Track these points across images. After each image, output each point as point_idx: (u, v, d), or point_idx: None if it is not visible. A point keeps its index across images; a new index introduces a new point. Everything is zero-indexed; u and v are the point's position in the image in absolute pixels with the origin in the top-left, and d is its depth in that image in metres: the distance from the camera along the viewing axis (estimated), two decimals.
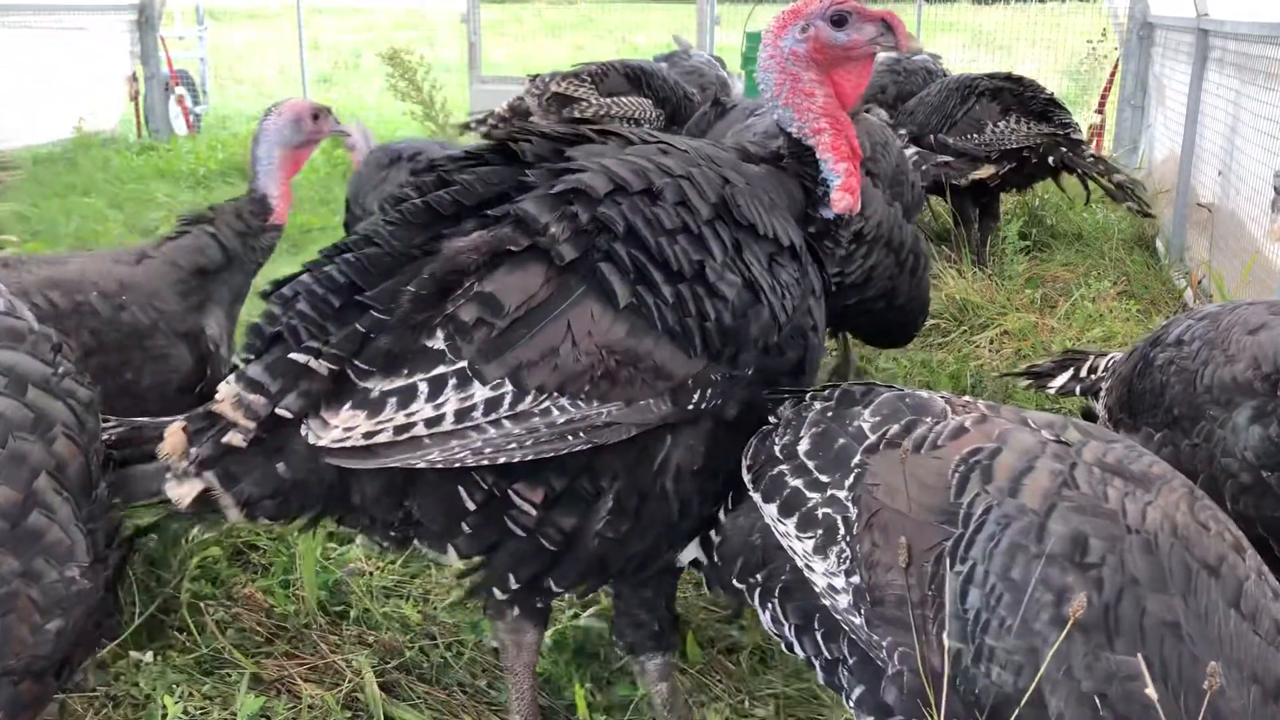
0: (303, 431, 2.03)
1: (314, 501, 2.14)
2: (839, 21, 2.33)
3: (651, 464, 2.13)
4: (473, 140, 7.80)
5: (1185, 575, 1.62)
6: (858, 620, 1.84)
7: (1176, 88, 7.06)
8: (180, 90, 10.97)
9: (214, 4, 17.52)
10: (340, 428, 1.99)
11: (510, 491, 2.08)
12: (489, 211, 2.12)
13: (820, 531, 1.92)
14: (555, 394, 2.01)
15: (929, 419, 1.96)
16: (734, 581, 2.16)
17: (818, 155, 2.36)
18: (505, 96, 7.84)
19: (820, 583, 1.91)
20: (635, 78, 6.79)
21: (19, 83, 9.60)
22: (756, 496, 2.08)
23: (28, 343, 2.07)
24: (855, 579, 1.85)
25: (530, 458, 2.03)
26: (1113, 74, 9.35)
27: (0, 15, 9.45)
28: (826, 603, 1.91)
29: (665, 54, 7.95)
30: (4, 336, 2.04)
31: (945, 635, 1.72)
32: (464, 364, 1.99)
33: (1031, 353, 4.89)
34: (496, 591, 2.21)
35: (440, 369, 2.00)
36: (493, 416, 1.99)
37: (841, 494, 1.93)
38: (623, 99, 6.67)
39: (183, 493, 2.09)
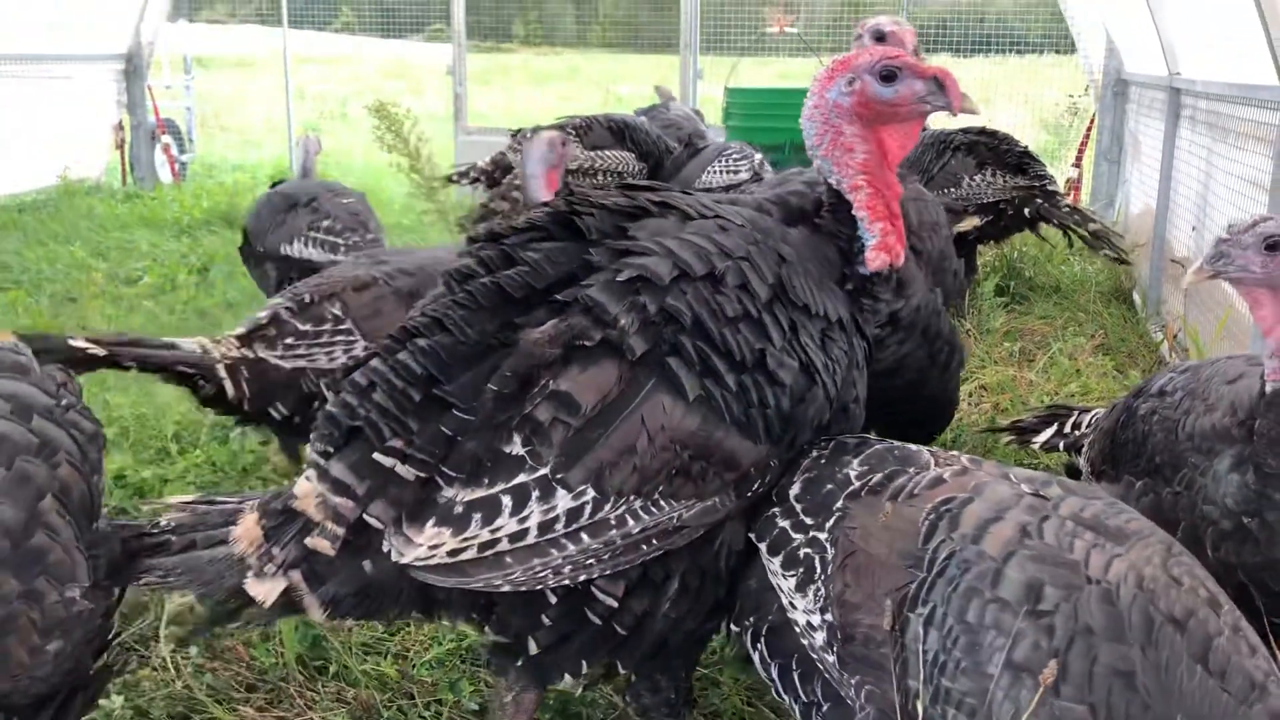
0: (385, 548, 2.01)
1: (398, 602, 2.13)
2: (888, 77, 2.24)
3: (713, 545, 2.14)
4: (454, 191, 7.85)
5: (1146, 627, 1.64)
6: (830, 659, 1.90)
7: (1151, 144, 7.18)
8: (166, 139, 11.02)
9: (202, 52, 17.64)
10: (425, 545, 1.97)
11: (593, 588, 2.08)
12: (559, 296, 2.08)
13: (801, 570, 2.00)
14: (633, 496, 2.00)
15: (912, 469, 2.02)
16: (733, 625, 2.20)
17: (854, 211, 2.29)
18: (490, 148, 7.92)
19: (800, 620, 1.98)
20: (619, 131, 6.88)
21: (4, 131, 9.63)
22: (751, 535, 2.14)
23: (32, 376, 2.11)
24: (829, 616, 1.91)
25: (609, 572, 2.05)
26: (1089, 129, 9.50)
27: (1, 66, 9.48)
28: (805, 642, 1.97)
29: (645, 108, 8.05)
30: (9, 369, 2.10)
31: (907, 676, 1.76)
32: (545, 471, 1.96)
33: (1010, 406, 4.93)
34: (568, 677, 2.22)
35: (522, 478, 1.97)
36: (574, 527, 1.98)
37: (822, 535, 2.00)
38: (606, 152, 6.75)
39: (265, 591, 2.04)
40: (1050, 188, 6.42)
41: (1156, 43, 6.64)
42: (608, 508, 1.98)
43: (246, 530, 2.10)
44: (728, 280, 2.07)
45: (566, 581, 2.02)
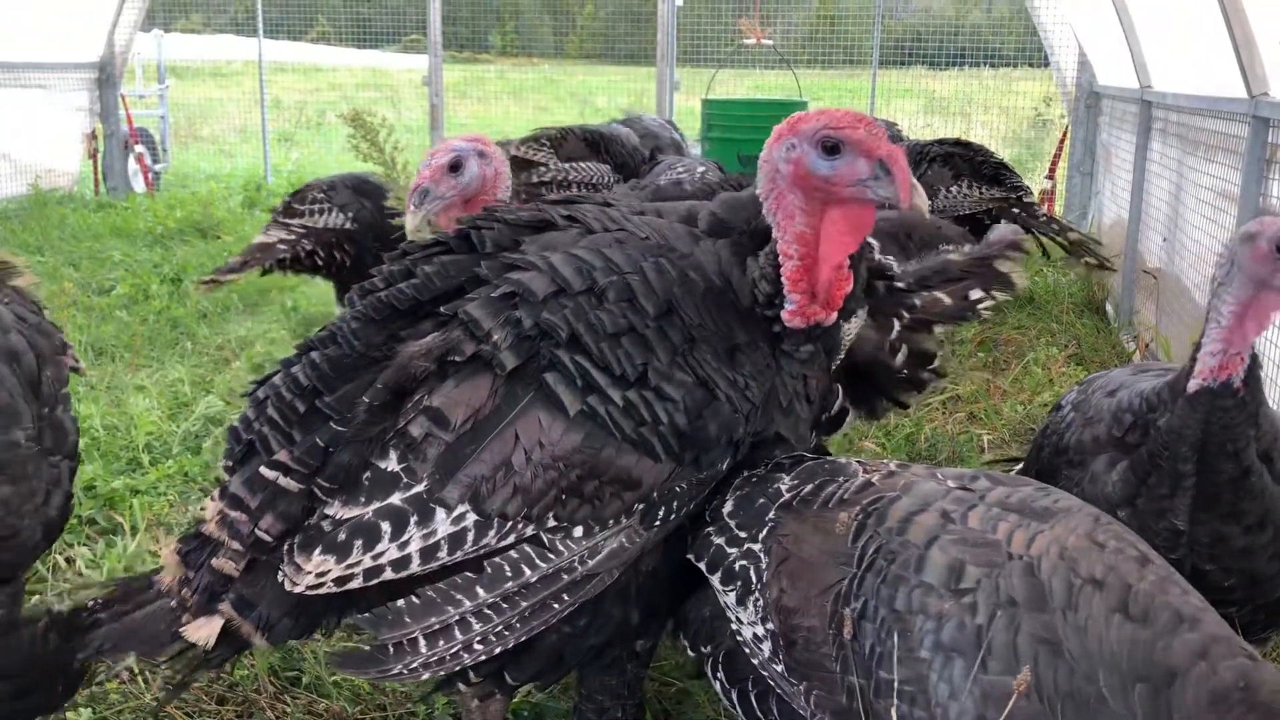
0: (279, 577, 1.99)
1: (327, 614, 2.11)
2: (830, 149, 2.01)
3: (623, 585, 2.09)
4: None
5: (1067, 592, 1.65)
6: (779, 668, 1.91)
7: (1123, 156, 7.25)
8: (140, 148, 10.94)
9: (176, 60, 17.56)
10: (313, 573, 1.95)
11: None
12: (443, 309, 2.09)
13: (739, 583, 2.00)
14: (520, 521, 1.95)
15: (841, 478, 2.04)
16: (699, 648, 2.18)
17: (780, 274, 2.12)
18: None
19: (746, 634, 1.98)
20: (594, 142, 6.88)
21: None
22: (690, 555, 2.12)
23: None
24: (770, 625, 1.93)
25: (523, 639, 2.00)
26: (1062, 141, 9.59)
27: None
28: (755, 660, 1.97)
29: (622, 118, 8.06)
30: None
31: (849, 673, 1.78)
32: (421, 489, 1.94)
33: (984, 416, 4.96)
34: (459, 684, 2.17)
35: (397, 496, 1.95)
36: (458, 556, 1.94)
37: (756, 546, 2.01)
38: (581, 164, 6.74)
39: (204, 633, 2.03)
40: (1027, 199, 6.47)
41: (1128, 56, 6.71)
42: (492, 533, 1.93)
43: (167, 561, 2.10)
44: (609, 295, 2.01)
45: (483, 657, 1.98)
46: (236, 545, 2.02)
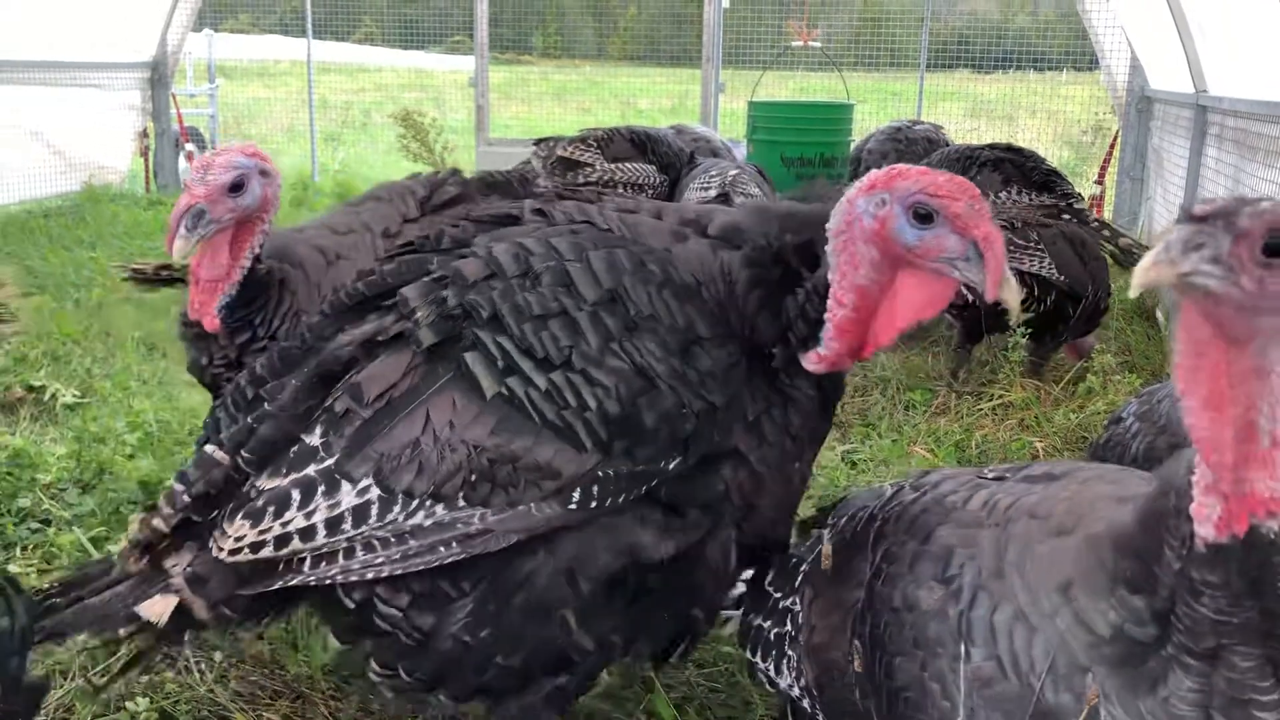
0: (206, 544, 2.03)
1: (275, 602, 2.12)
2: (923, 217, 1.84)
3: (518, 571, 1.97)
4: None
5: (1022, 550, 1.57)
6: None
7: (1176, 161, 7.15)
8: (190, 146, 11.08)
9: (224, 60, 17.76)
10: (232, 538, 1.98)
11: (375, 597, 2.03)
12: (385, 302, 2.10)
13: (775, 651, 1.99)
14: (428, 500, 1.91)
15: (873, 499, 1.99)
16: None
17: (825, 315, 1.98)
18: (512, 159, 7.93)
19: (794, 694, 1.96)
20: (640, 143, 6.88)
21: (31, 136, 9.71)
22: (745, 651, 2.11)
23: None
24: (804, 679, 1.90)
25: (399, 572, 1.95)
26: (1112, 146, 9.47)
27: (18, 72, 9.54)
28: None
29: (673, 124, 8.07)
30: None
31: (865, 696, 1.74)
32: (331, 461, 1.95)
33: (1034, 423, 4.91)
34: (379, 685, 2.14)
35: (311, 468, 1.97)
36: (363, 530, 1.93)
37: (788, 602, 2.00)
38: (627, 164, 6.75)
39: (158, 610, 2.05)
40: (1077, 205, 6.39)
41: (1182, 60, 6.62)
42: (397, 509, 1.92)
43: (127, 538, 2.14)
44: (544, 279, 1.96)
45: (355, 578, 1.96)
46: (168, 509, 2.08)
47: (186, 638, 2.21)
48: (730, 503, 2.03)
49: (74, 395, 5.00)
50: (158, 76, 10.84)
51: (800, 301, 2.02)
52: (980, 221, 1.81)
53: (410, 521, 1.92)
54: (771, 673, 1.98)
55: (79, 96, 10.16)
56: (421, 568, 1.95)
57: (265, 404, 2.08)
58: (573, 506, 1.92)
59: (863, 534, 1.89)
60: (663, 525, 1.99)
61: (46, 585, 2.23)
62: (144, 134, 10.91)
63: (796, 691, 1.92)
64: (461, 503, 1.91)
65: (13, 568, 3.39)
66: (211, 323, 2.87)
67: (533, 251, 2.01)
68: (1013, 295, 1.82)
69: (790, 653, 1.93)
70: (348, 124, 17.28)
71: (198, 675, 2.88)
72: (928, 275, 1.90)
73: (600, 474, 1.91)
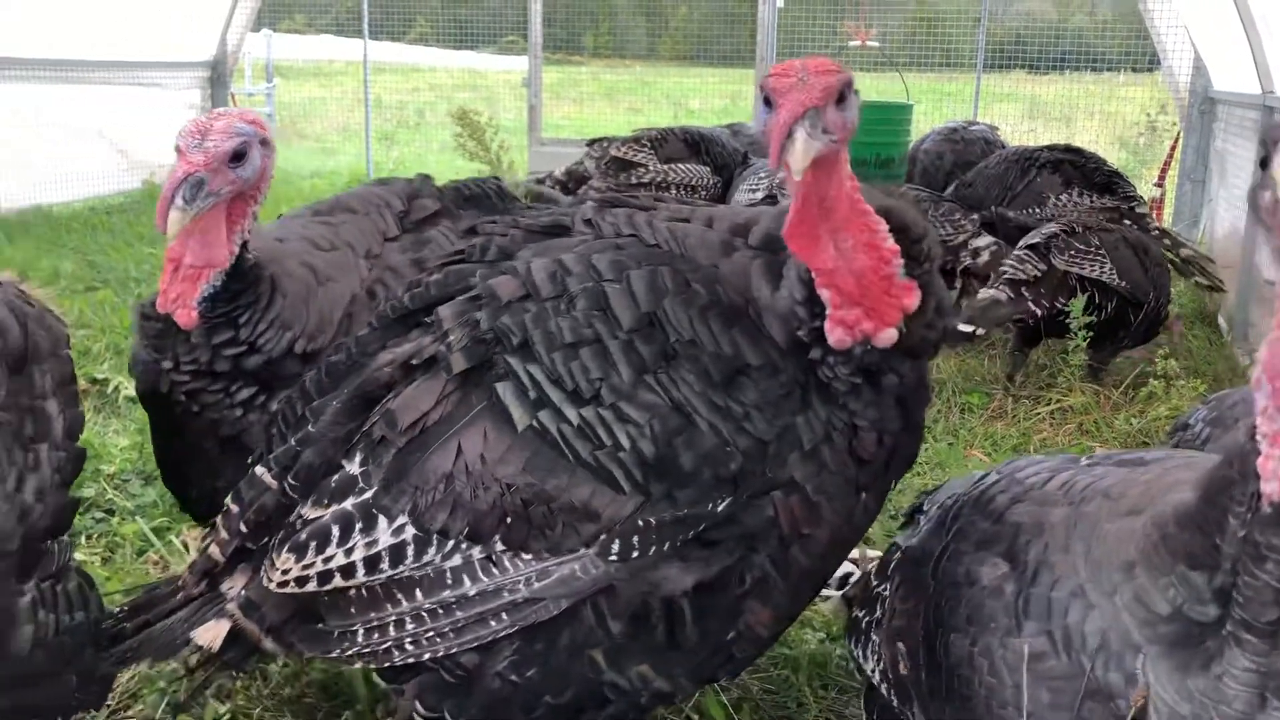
0: (259, 572, 2.03)
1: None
2: (766, 102, 1.73)
3: (577, 623, 1.88)
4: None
5: (1090, 530, 1.55)
6: (894, 703, 1.88)
7: (1240, 163, 7.01)
8: None
9: (281, 60, 17.99)
10: (280, 570, 1.97)
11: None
12: (427, 318, 2.03)
13: (862, 635, 2.02)
14: (465, 542, 1.85)
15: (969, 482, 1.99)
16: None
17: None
18: (564, 159, 7.97)
19: (875, 680, 1.97)
20: (694, 144, 6.88)
21: (93, 134, 9.91)
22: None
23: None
24: (883, 661, 1.90)
25: (454, 650, 1.89)
26: (1173, 148, 9.30)
27: (84, 72, 9.74)
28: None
29: (729, 124, 8.06)
30: None
31: (925, 673, 1.73)
32: (369, 495, 1.91)
33: (1094, 429, 4.84)
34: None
35: (350, 501, 1.92)
36: (401, 570, 1.88)
37: (880, 588, 2.02)
38: (680, 165, 6.75)
39: (211, 636, 2.05)
40: (1139, 209, 6.29)
41: (1249, 61, 6.49)
42: (433, 550, 1.86)
43: (187, 564, 2.16)
44: (579, 302, 1.85)
45: (411, 659, 1.92)
46: (224, 535, 2.08)
47: (249, 660, 2.21)
48: (777, 530, 1.88)
49: None
50: (217, 76, 11.02)
51: (798, 268, 1.87)
52: (778, 84, 1.69)
53: (448, 564, 1.86)
54: (859, 658, 1.98)
55: (141, 96, 10.35)
56: (475, 644, 1.89)
57: (309, 425, 2.05)
58: (614, 558, 1.81)
59: (944, 517, 1.88)
60: (688, 555, 1.86)
61: (117, 610, 2.27)
62: None
63: (876, 677, 1.92)
64: (499, 545, 1.83)
65: (78, 555, 3.46)
66: (188, 316, 2.41)
67: (570, 270, 1.90)
68: (795, 160, 1.66)
69: (874, 636, 1.93)
70: (402, 123, 17.42)
71: (267, 683, 2.85)
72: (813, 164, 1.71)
73: (641, 522, 1.80)
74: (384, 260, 2.76)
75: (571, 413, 1.79)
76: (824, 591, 2.30)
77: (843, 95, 1.74)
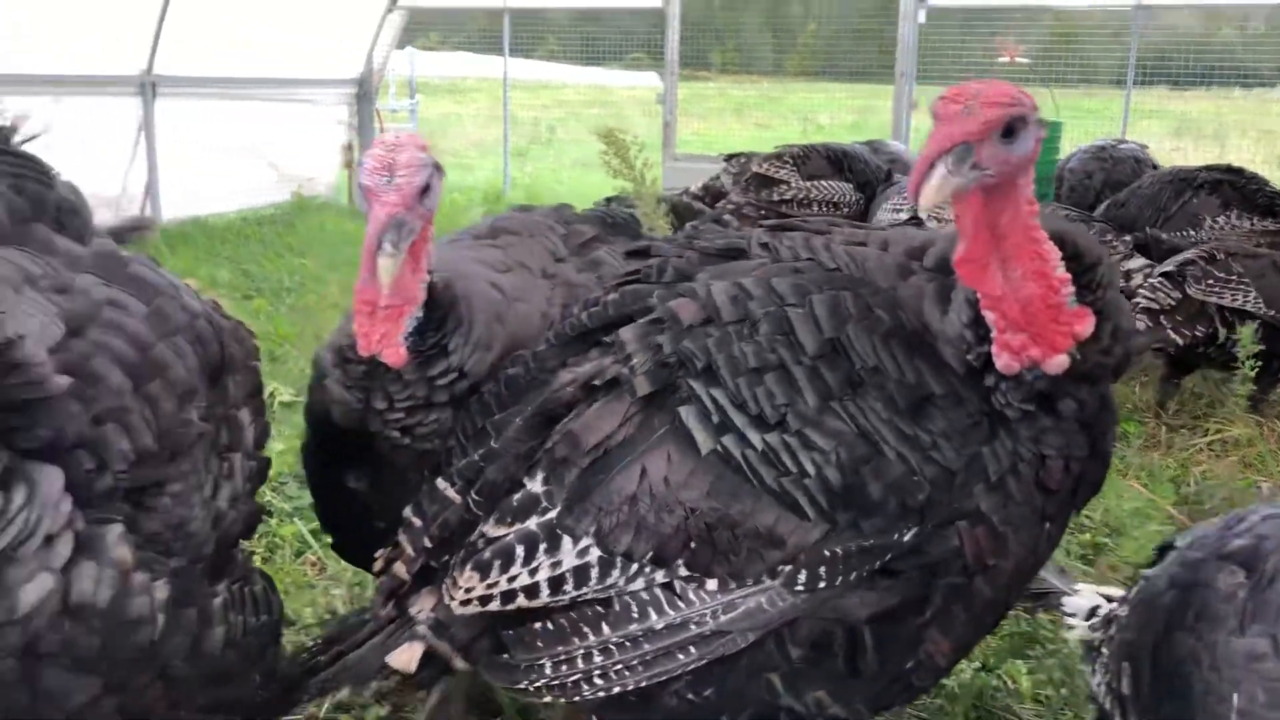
0: (442, 591, 2.04)
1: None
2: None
3: (760, 652, 1.88)
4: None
5: None
6: None
7: None
8: None
9: (421, 75, 18.51)
10: (463, 589, 1.98)
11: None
12: (606, 338, 2.04)
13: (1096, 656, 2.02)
14: (649, 566, 1.85)
15: None
16: None
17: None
18: (698, 174, 8.00)
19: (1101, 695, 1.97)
20: (837, 160, 6.84)
21: (250, 150, 10.38)
22: None
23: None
24: (1109, 678, 1.93)
25: (644, 684, 1.90)
26: None
27: (238, 88, 10.21)
28: None
29: (868, 141, 7.99)
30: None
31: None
32: (553, 514, 1.92)
33: (1258, 461, 4.64)
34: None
35: (534, 520, 1.93)
36: (584, 591, 1.89)
37: (1116, 609, 2.00)
38: (823, 182, 6.72)
39: (406, 659, 2.06)
40: None
41: None
42: (616, 573, 1.86)
43: (375, 585, 2.17)
44: (762, 327, 1.85)
45: (601, 692, 1.92)
46: (410, 551, 2.08)
47: (440, 677, 2.26)
48: (961, 560, 1.85)
49: (290, 394, 5.26)
50: (363, 92, 11.42)
51: (965, 292, 1.85)
52: (943, 110, 1.68)
53: (632, 587, 1.87)
54: (1092, 679, 1.98)
55: (292, 112, 10.82)
56: (664, 678, 1.89)
57: (491, 440, 2.07)
58: (800, 588, 1.81)
59: (1189, 543, 1.89)
60: (871, 584, 1.85)
61: (309, 643, 2.33)
62: (349, 147, 11.49)
63: (1103, 691, 1.91)
64: (682, 569, 1.84)
65: None
66: (398, 355, 2.30)
67: (752, 294, 1.91)
68: (924, 197, 1.67)
69: (1104, 651, 1.93)
70: (535, 139, 17.76)
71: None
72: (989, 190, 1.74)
73: (827, 552, 1.80)
74: (563, 278, 2.73)
75: (756, 438, 1.80)
76: (1070, 620, 2.26)
77: (1011, 129, 1.69)
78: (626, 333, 1.97)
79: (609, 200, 6.59)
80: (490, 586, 1.94)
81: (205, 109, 9.97)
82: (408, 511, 2.15)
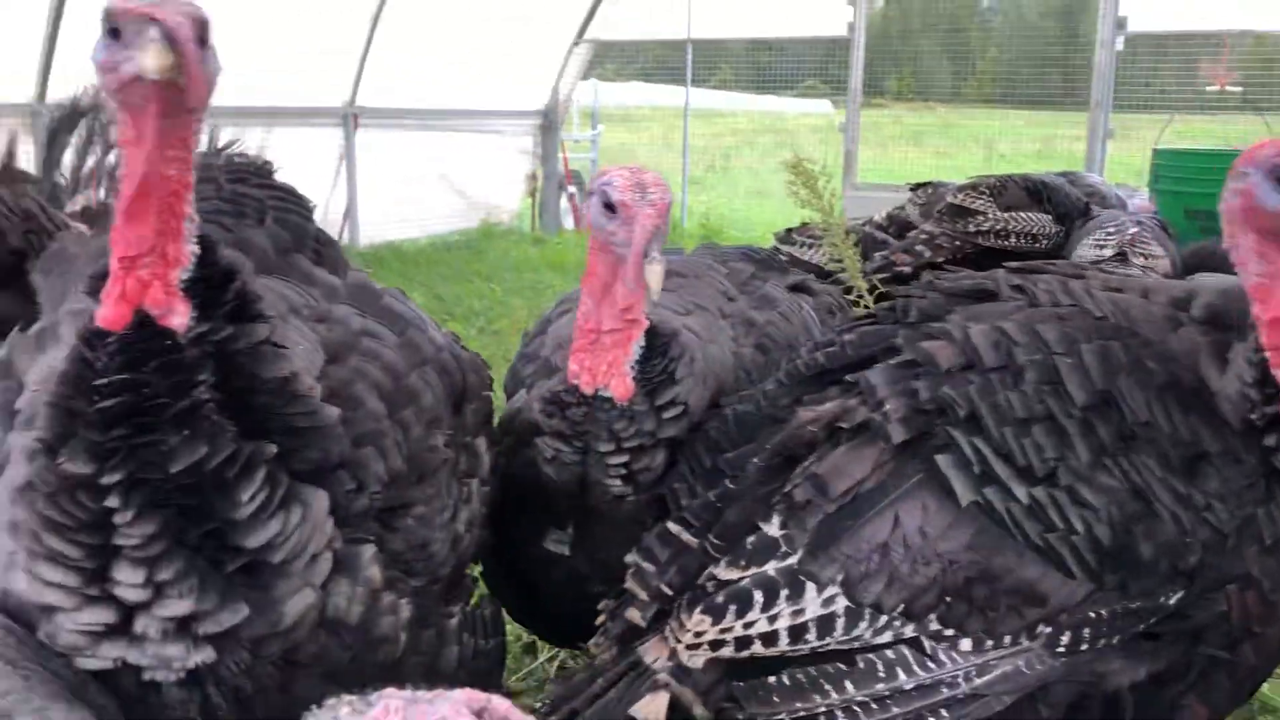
0: (665, 633, 1.97)
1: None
2: None
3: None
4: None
5: None
6: None
7: None
8: (572, 189, 11.88)
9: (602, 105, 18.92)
10: (691, 633, 1.91)
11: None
12: (848, 377, 1.99)
13: None
14: (897, 618, 1.78)
15: None
16: None
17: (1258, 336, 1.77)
18: (878, 204, 7.86)
19: None
20: (1035, 192, 6.59)
21: (441, 179, 10.80)
22: None
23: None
24: None
25: None
26: None
27: (431, 120, 10.66)
28: None
29: (1063, 172, 7.72)
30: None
31: None
32: (795, 560, 1.85)
33: None
34: None
35: (773, 565, 1.86)
36: (827, 642, 1.81)
37: None
38: (1021, 214, 6.48)
39: (653, 709, 1.95)
40: None
41: None
42: (864, 624, 1.78)
43: (599, 633, 2.09)
44: (1027, 375, 1.79)
45: None
46: (643, 596, 2.03)
47: None
48: (1227, 625, 1.78)
49: None
50: (548, 123, 11.73)
51: (1245, 349, 1.79)
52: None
53: (878, 640, 1.80)
54: None
55: (480, 142, 11.24)
56: None
57: (726, 480, 2.04)
58: (1060, 650, 1.76)
59: None
60: (1133, 649, 1.78)
61: (537, 704, 2.31)
62: (533, 176, 11.81)
63: None
64: (934, 624, 1.77)
65: None
66: (624, 385, 2.19)
67: (1016, 340, 1.85)
68: None
69: None
70: (709, 168, 17.88)
71: None
72: None
73: (1091, 614, 1.74)
74: (741, 317, 2.67)
75: (1021, 491, 1.74)
76: None
77: None
78: (875, 376, 1.92)
79: (789, 231, 6.58)
80: (723, 631, 1.88)
81: (401, 139, 10.44)
82: (634, 557, 2.09)
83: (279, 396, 1.66)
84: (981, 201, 6.55)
